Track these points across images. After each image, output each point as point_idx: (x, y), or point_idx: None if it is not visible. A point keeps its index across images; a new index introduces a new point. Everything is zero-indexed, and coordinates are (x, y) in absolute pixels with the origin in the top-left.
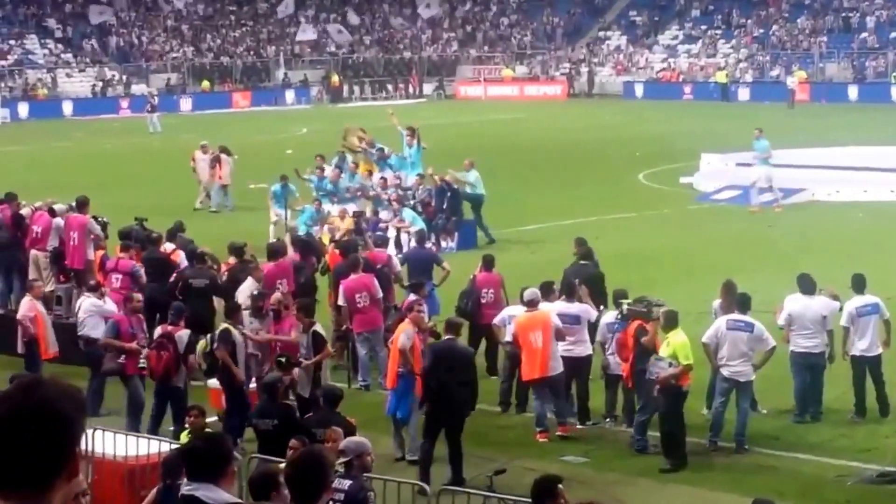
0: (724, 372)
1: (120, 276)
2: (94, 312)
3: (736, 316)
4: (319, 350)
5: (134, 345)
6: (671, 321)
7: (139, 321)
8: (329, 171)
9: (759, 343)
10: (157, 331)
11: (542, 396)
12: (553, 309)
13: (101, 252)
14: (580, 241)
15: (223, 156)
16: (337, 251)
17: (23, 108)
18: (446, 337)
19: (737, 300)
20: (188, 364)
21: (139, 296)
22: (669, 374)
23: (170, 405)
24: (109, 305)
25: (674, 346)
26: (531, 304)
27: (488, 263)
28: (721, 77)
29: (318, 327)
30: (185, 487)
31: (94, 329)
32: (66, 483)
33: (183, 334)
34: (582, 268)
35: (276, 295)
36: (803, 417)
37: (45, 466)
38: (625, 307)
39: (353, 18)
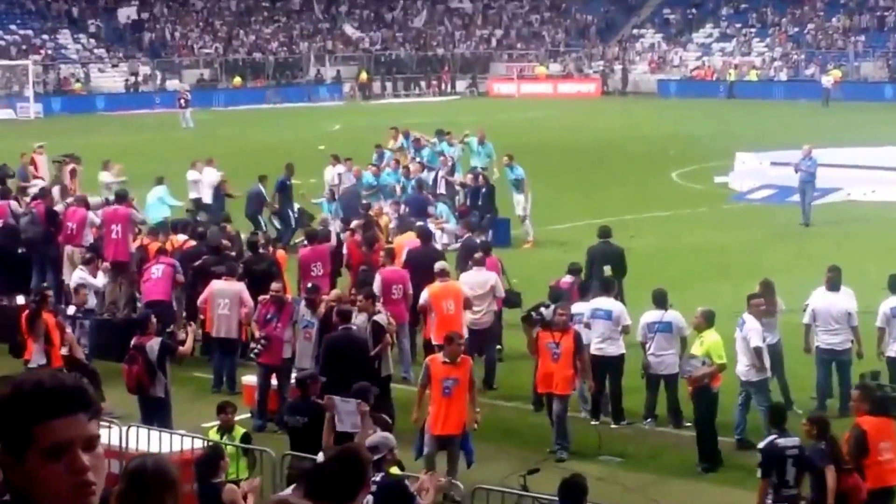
0: None
1: (162, 267)
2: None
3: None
4: (378, 339)
5: (258, 332)
6: (708, 320)
7: (276, 310)
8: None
9: (744, 343)
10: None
11: None
12: (588, 306)
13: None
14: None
15: (77, 166)
16: (415, 235)
17: (56, 103)
18: (341, 327)
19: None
20: (180, 355)
21: (277, 285)
22: (703, 373)
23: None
24: (99, 280)
25: (707, 345)
26: (443, 275)
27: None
28: (733, 75)
29: (379, 317)
30: None
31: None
32: (38, 454)
33: (154, 343)
34: (605, 246)
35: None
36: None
37: (16, 439)
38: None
39: (386, 15)
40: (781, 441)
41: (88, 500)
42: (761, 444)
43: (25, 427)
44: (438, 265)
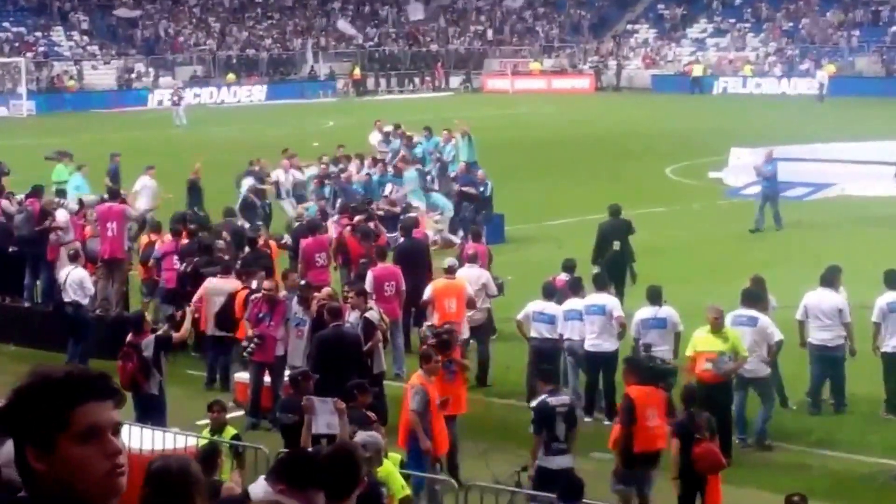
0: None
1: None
2: (79, 282)
3: (739, 311)
4: (369, 336)
5: (250, 331)
6: (723, 316)
7: (268, 308)
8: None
9: (763, 337)
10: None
11: None
12: (583, 303)
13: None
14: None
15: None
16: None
17: (48, 101)
18: (333, 324)
19: (743, 294)
20: (177, 340)
21: (269, 283)
22: (731, 367)
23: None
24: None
25: (732, 338)
26: (450, 272)
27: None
28: (698, 70)
29: (371, 314)
30: None
31: (83, 298)
32: (72, 439)
33: (149, 341)
34: (616, 222)
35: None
36: (819, 409)
37: (49, 425)
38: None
39: (380, 11)
40: (552, 399)
41: (119, 482)
42: (533, 403)
43: (62, 410)
44: (447, 262)
